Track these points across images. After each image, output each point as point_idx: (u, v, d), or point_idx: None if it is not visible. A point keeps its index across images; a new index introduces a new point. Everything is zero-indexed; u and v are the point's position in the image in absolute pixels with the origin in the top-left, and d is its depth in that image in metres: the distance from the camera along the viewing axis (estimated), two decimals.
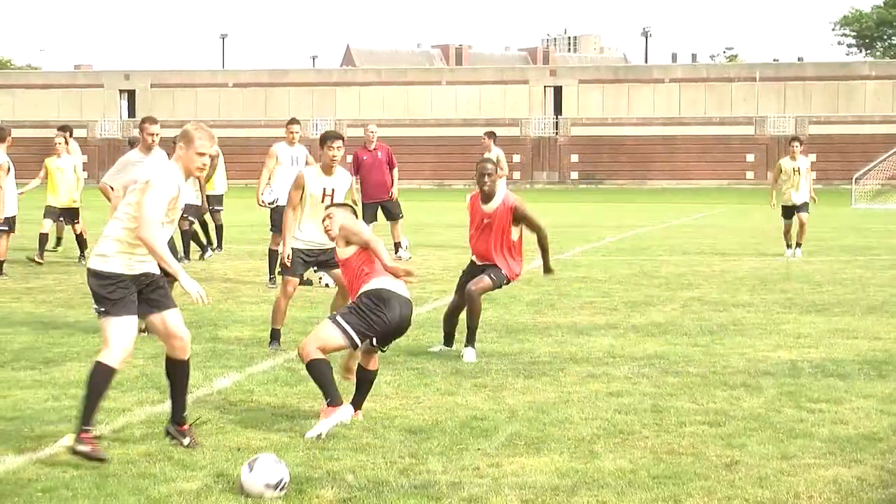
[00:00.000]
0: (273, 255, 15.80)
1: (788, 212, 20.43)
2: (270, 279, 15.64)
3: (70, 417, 7.84)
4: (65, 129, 19.27)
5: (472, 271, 10.51)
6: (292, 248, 10.52)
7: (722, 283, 16.15)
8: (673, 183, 63.68)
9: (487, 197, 10.30)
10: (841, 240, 23.62)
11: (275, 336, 10.74)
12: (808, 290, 15.37)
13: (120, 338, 6.77)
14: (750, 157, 64.93)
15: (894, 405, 8.34)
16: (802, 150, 20.82)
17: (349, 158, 18.00)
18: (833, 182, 57.90)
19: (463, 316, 10.43)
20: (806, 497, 6.16)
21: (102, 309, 6.80)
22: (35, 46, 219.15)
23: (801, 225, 20.30)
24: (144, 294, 6.88)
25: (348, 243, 7.73)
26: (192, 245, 18.86)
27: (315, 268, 11.17)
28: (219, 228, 20.68)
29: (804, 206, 20.40)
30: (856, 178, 45.30)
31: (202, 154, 6.70)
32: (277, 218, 15.78)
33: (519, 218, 10.38)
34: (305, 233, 10.54)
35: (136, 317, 6.85)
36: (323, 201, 10.49)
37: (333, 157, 10.56)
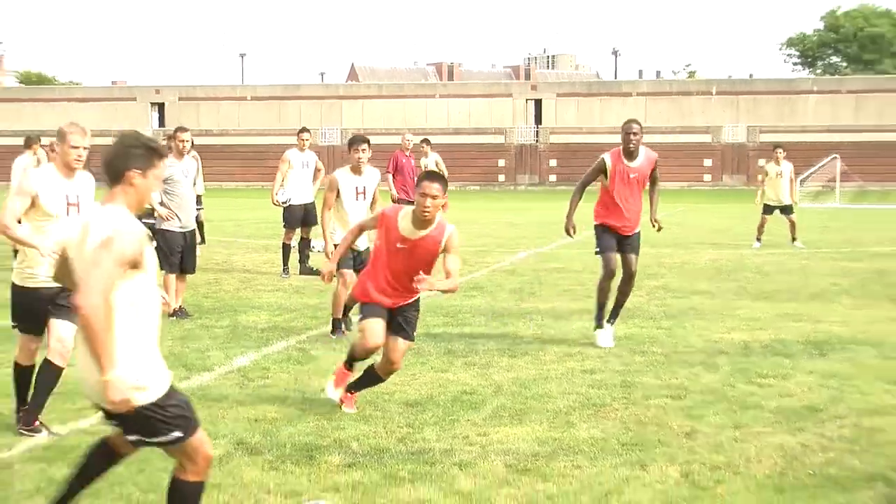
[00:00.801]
0: (286, 248, 15.77)
1: (769, 209, 20.81)
2: (284, 270, 15.60)
3: None
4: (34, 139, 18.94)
5: (613, 239, 10.00)
6: (335, 245, 10.23)
7: (683, 273, 16.17)
8: None
9: (632, 154, 9.96)
10: (787, 235, 23.63)
11: (336, 326, 10.40)
12: (759, 279, 15.39)
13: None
14: (707, 162, 64.81)
15: (833, 380, 8.37)
16: (785, 156, 20.99)
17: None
18: None
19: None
20: (756, 461, 6.19)
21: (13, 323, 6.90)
22: (76, 64, 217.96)
23: (792, 224, 20.75)
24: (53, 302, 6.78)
25: (445, 252, 7.02)
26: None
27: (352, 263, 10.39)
28: (199, 225, 19.72)
29: (789, 208, 20.81)
30: (800, 181, 45.33)
31: (76, 147, 6.68)
32: (289, 216, 15.77)
33: (655, 168, 10.15)
34: (340, 234, 10.28)
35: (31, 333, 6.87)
36: (357, 199, 10.40)
37: (359, 158, 10.45)
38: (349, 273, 10.29)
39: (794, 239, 20.74)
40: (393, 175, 18.34)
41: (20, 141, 17.31)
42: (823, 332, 10.66)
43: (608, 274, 10.02)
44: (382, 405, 7.50)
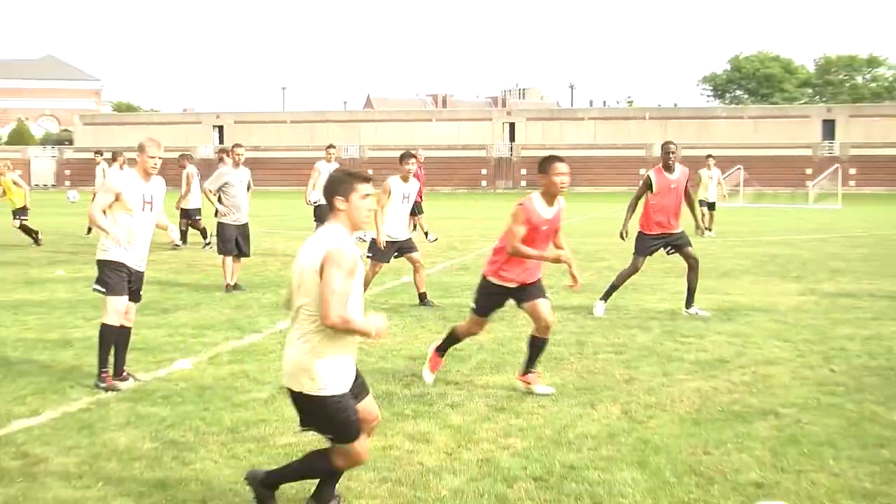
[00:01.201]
0: None
1: (702, 203, 21.11)
2: None
3: (180, 348, 7.80)
4: (100, 152, 18.77)
5: (647, 248, 9.68)
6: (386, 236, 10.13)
7: (625, 257, 16.02)
8: (591, 188, 63.48)
9: (671, 168, 9.59)
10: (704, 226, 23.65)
11: None
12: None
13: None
14: (642, 171, 64.46)
15: (738, 338, 8.38)
16: (714, 163, 21.47)
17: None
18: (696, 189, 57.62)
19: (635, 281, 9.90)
20: (679, 401, 6.19)
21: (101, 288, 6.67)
22: (157, 94, 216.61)
23: (711, 217, 21.28)
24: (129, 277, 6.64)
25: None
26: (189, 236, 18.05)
27: (397, 252, 10.31)
28: (203, 231, 18.10)
29: (713, 205, 21.46)
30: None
31: (152, 157, 6.58)
32: (319, 213, 15.71)
33: (690, 179, 9.80)
34: (388, 227, 10.12)
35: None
36: (402, 202, 10.26)
37: (408, 170, 10.30)
38: (381, 264, 10.25)
39: (709, 229, 20.85)
40: None
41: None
42: (730, 302, 10.67)
43: (632, 270, 9.88)
44: (391, 359, 7.48)
